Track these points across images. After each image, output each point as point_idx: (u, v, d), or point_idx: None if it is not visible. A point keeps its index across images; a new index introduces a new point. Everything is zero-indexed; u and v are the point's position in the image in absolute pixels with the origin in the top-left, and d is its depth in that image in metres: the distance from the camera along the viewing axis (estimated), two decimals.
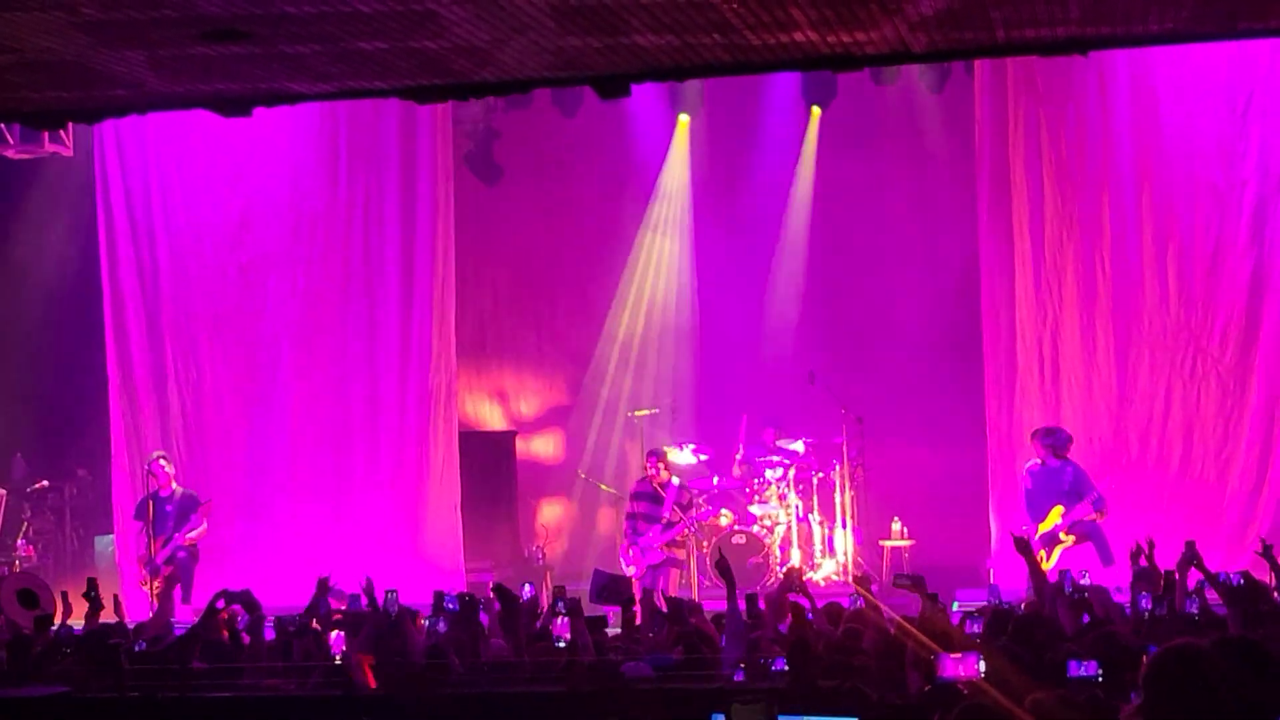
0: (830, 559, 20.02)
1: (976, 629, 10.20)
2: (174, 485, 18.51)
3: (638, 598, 13.48)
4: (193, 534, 18.19)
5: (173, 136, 20.27)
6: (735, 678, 9.55)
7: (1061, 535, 17.13)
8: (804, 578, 16.94)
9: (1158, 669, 6.04)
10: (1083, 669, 7.69)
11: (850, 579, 14.79)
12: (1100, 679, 7.61)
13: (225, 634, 12.46)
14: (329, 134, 20.31)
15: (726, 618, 11.41)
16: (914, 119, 21.41)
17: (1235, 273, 18.60)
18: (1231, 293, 18.60)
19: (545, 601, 15.56)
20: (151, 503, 18.38)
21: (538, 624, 12.44)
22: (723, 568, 11.75)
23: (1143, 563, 13.29)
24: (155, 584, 17.79)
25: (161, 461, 18.62)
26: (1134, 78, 18.71)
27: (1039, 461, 17.49)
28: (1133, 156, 18.79)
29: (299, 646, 11.86)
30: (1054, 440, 17.51)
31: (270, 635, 12.42)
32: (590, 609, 12.92)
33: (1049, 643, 9.39)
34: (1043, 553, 16.89)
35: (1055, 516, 17.16)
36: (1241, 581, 11.66)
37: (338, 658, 10.95)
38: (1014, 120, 18.93)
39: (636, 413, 21.23)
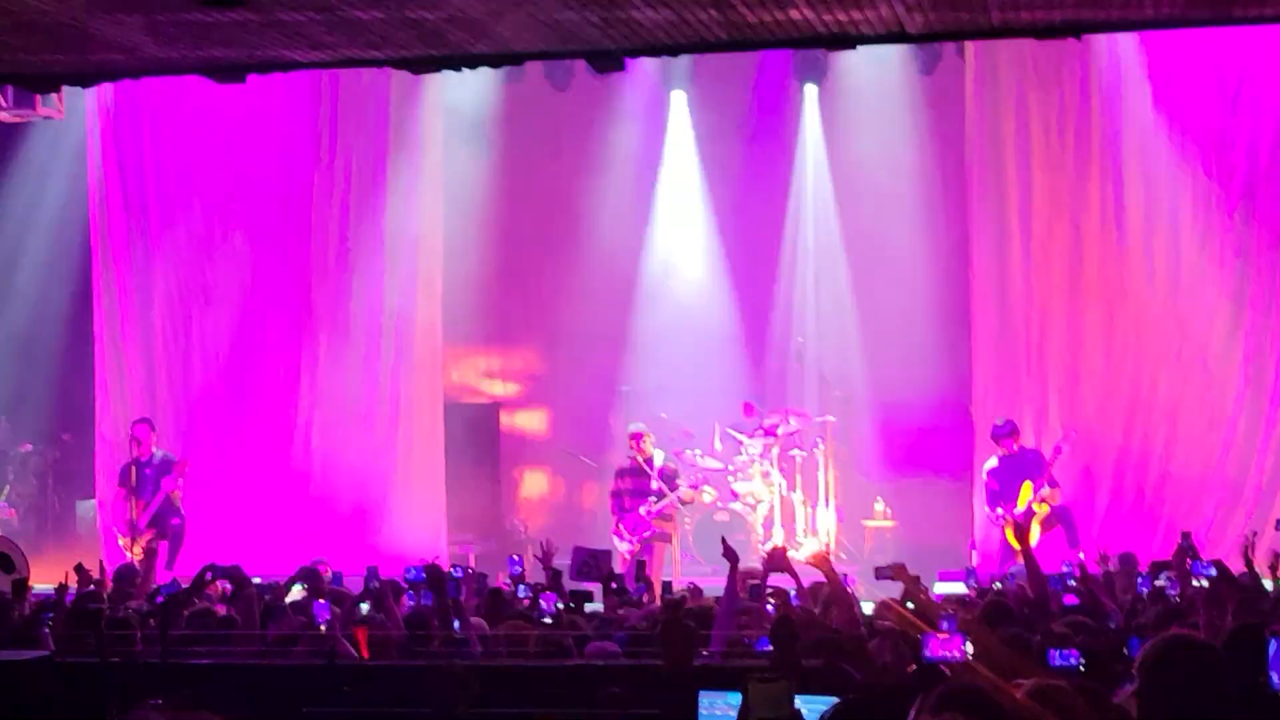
0: (813, 538, 20.03)
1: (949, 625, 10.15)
2: (154, 449, 18.58)
3: (620, 572, 13.52)
4: (171, 494, 18.30)
5: (165, 104, 20.22)
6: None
7: (1035, 506, 17.28)
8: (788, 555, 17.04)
9: (1157, 657, 6.07)
10: (1063, 658, 7.69)
11: (810, 557, 14.82)
12: (1082, 668, 7.63)
13: (220, 607, 12.46)
14: (320, 104, 20.28)
15: (724, 596, 11.44)
16: (904, 100, 21.36)
17: (1222, 260, 18.65)
18: (1218, 280, 18.65)
19: (529, 575, 15.59)
20: (134, 468, 18.42)
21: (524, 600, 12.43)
22: (728, 552, 11.81)
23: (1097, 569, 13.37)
24: (136, 548, 17.81)
25: (144, 426, 18.67)
26: (1125, 63, 18.73)
27: (999, 457, 17.69)
28: (1122, 142, 18.82)
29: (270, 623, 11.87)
30: (1003, 432, 17.78)
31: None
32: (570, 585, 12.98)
33: (1036, 625, 9.42)
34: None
35: (1026, 492, 17.29)
36: (1246, 572, 11.70)
37: (322, 626, 10.93)
38: (1005, 103, 18.94)
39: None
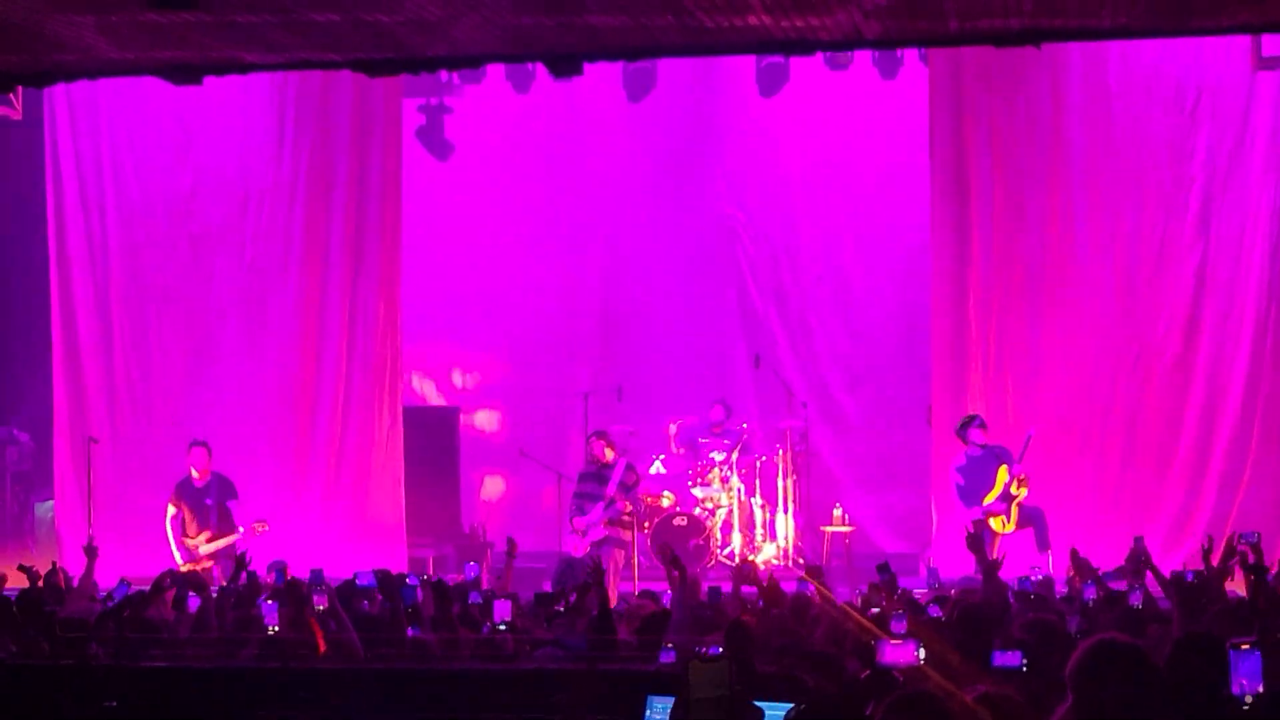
0: (771, 543, 20.05)
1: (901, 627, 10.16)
2: (210, 474, 17.92)
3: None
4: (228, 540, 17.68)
5: (124, 105, 20.19)
6: (662, 659, 9.56)
7: (1012, 489, 17.16)
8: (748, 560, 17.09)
9: (1082, 663, 6.07)
10: (1007, 659, 7.71)
11: (802, 569, 14.83)
12: (1025, 668, 7.64)
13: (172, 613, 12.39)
14: (279, 106, 20.26)
15: (673, 604, 11.43)
16: (866, 106, 21.42)
17: (1180, 268, 18.77)
18: (1175, 288, 18.77)
19: (486, 579, 15.59)
20: (191, 492, 17.86)
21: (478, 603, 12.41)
22: (668, 556, 11.80)
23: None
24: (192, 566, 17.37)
25: (200, 451, 18.00)
26: (1086, 74, 18.83)
27: (965, 456, 17.61)
28: (1083, 151, 18.91)
29: (231, 619, 11.83)
30: (971, 426, 17.72)
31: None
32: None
33: (991, 632, 9.43)
34: (1001, 518, 17.02)
35: (1003, 475, 17.19)
36: (1193, 578, 11.71)
37: (271, 629, 10.88)
38: (967, 110, 18.99)
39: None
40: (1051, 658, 7.98)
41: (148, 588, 12.37)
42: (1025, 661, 7.55)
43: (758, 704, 7.53)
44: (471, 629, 11.48)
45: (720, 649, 9.29)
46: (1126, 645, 6.13)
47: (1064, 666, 7.55)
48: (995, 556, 13.85)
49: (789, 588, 12.54)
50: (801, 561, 18.08)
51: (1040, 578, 13.61)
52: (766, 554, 19.85)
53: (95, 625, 11.37)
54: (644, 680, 8.47)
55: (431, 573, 17.71)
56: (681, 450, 20.70)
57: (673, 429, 20.86)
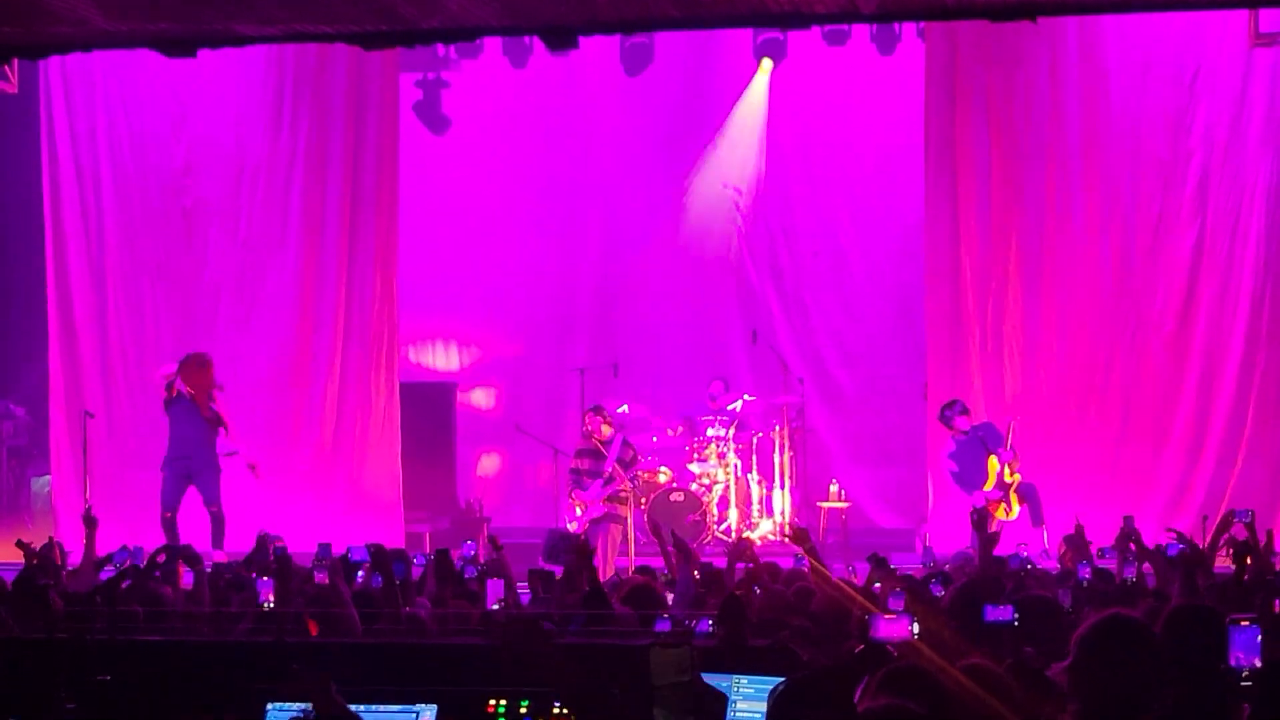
0: (768, 519, 20.05)
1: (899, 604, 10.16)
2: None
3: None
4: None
5: (119, 78, 20.13)
6: (657, 628, 9.57)
7: (1006, 477, 17.35)
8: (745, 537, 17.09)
9: (1094, 634, 6.09)
10: (998, 613, 7.71)
11: (788, 535, 14.85)
12: (1016, 622, 7.65)
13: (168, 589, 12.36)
14: (275, 80, 20.20)
15: (678, 581, 11.43)
16: (864, 81, 21.39)
17: (1177, 244, 18.75)
18: (1172, 264, 18.75)
19: (483, 554, 15.58)
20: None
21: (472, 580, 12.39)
22: (678, 540, 11.84)
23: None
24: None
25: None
26: (1083, 48, 18.78)
27: (954, 442, 17.74)
28: (1080, 126, 18.88)
29: (235, 598, 11.80)
30: (953, 412, 17.84)
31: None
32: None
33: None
34: (1003, 506, 17.19)
35: (994, 465, 17.36)
36: (1184, 548, 11.70)
37: (266, 605, 10.86)
38: (964, 86, 18.95)
39: None
40: (1043, 631, 8.00)
41: (144, 563, 12.36)
42: (1017, 617, 7.56)
43: (751, 677, 7.53)
44: (469, 604, 11.47)
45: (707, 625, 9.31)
46: (1132, 622, 6.18)
47: (1056, 639, 7.57)
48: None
49: (786, 564, 12.57)
50: (788, 534, 18.07)
51: (1027, 555, 13.64)
52: (763, 530, 19.86)
53: (91, 598, 11.35)
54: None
55: (429, 548, 17.70)
56: (679, 430, 20.70)
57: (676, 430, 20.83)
